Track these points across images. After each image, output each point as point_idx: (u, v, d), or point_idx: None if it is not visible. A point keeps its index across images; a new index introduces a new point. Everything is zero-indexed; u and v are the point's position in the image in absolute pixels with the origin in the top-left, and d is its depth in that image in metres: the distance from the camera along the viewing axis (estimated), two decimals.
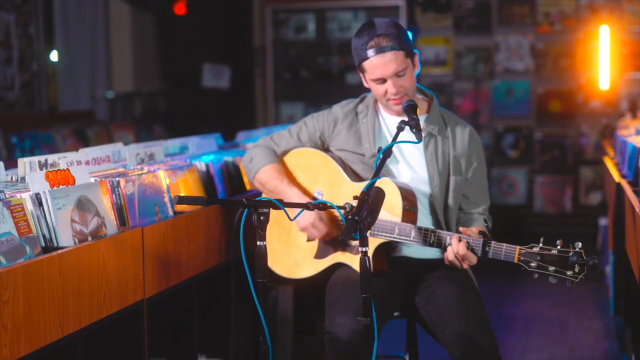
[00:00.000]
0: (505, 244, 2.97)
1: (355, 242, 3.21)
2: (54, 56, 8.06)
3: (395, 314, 3.30)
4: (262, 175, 3.44)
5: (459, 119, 3.45)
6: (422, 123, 3.28)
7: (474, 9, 8.45)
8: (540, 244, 2.92)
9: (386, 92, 3.22)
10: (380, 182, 2.75)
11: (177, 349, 3.37)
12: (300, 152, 3.48)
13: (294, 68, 8.86)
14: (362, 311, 2.61)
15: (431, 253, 3.25)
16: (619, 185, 4.34)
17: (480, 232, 3.03)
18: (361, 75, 3.31)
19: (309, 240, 3.36)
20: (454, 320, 3.00)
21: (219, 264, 3.59)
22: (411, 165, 3.32)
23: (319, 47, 8.82)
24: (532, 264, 2.91)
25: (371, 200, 2.65)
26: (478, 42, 8.45)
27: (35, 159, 3.01)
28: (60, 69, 8.25)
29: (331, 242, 3.31)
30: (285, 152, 3.50)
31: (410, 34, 3.31)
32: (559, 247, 2.90)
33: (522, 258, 2.93)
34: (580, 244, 2.89)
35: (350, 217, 2.57)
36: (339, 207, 2.78)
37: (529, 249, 2.93)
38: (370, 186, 2.68)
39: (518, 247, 2.94)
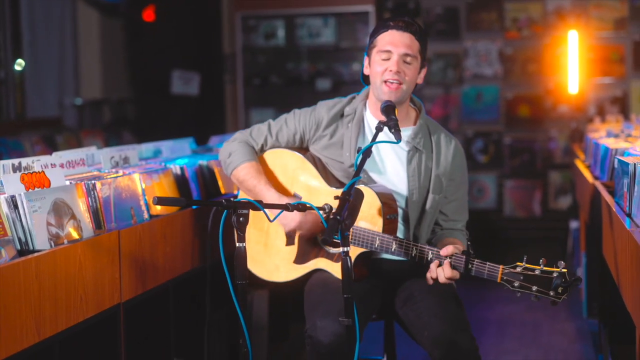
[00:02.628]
0: (488, 263, 2.92)
1: (335, 250, 3.18)
2: (19, 65, 7.96)
3: (373, 316, 3.28)
4: (240, 173, 3.37)
5: (445, 131, 3.39)
6: (408, 135, 3.26)
7: (443, 15, 8.48)
8: (524, 264, 2.88)
9: (385, 70, 3.16)
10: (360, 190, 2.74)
11: (153, 353, 3.33)
12: (276, 152, 3.42)
13: (263, 74, 8.84)
14: (343, 313, 2.59)
15: None
16: (594, 186, 4.36)
17: (464, 252, 3.00)
18: (365, 60, 3.26)
19: (288, 242, 3.33)
20: (433, 321, 2.98)
21: (196, 267, 3.56)
22: (391, 179, 3.27)
23: (288, 53, 8.81)
24: (515, 284, 2.88)
25: (351, 200, 2.64)
26: (447, 47, 8.48)
27: (9, 162, 2.96)
28: (28, 76, 8.16)
29: (311, 247, 3.27)
30: (262, 151, 3.45)
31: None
32: (542, 266, 2.86)
33: (505, 278, 2.89)
34: (563, 263, 2.84)
35: (332, 217, 2.55)
36: (319, 208, 2.76)
37: (512, 268, 2.88)
38: (351, 186, 2.67)
39: (501, 266, 2.90)
